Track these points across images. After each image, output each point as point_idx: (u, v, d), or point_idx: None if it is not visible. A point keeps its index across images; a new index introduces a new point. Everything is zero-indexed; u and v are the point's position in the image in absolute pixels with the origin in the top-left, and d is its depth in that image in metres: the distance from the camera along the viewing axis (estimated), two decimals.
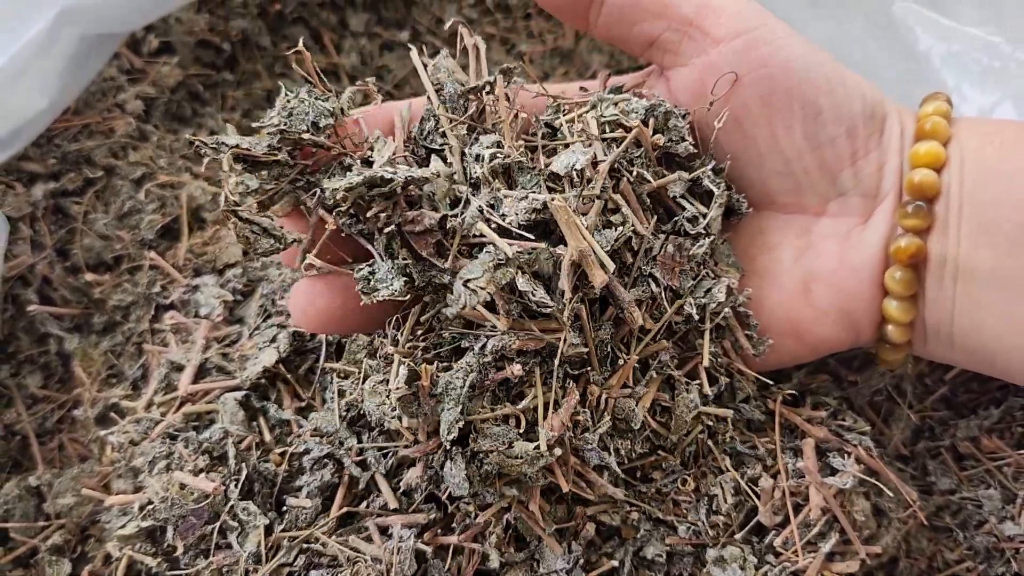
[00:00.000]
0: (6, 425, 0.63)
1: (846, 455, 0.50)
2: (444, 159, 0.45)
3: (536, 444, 0.41)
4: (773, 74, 0.45)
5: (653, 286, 0.46)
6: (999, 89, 0.55)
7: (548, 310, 0.41)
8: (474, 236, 0.41)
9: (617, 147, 0.45)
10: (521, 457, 0.41)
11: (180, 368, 0.58)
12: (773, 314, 0.49)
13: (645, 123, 0.47)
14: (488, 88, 0.45)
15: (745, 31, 0.45)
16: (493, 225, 0.41)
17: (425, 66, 0.47)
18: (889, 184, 0.47)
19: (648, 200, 0.47)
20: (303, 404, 0.55)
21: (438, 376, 0.42)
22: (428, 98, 0.46)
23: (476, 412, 0.42)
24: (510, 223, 0.41)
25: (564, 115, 0.47)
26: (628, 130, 0.46)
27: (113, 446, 0.55)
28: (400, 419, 0.43)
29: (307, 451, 0.51)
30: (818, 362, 0.57)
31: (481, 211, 0.41)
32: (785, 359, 0.51)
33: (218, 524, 0.48)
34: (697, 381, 0.48)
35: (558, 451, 0.41)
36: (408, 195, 0.43)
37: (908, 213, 0.46)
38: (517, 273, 0.40)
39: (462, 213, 0.42)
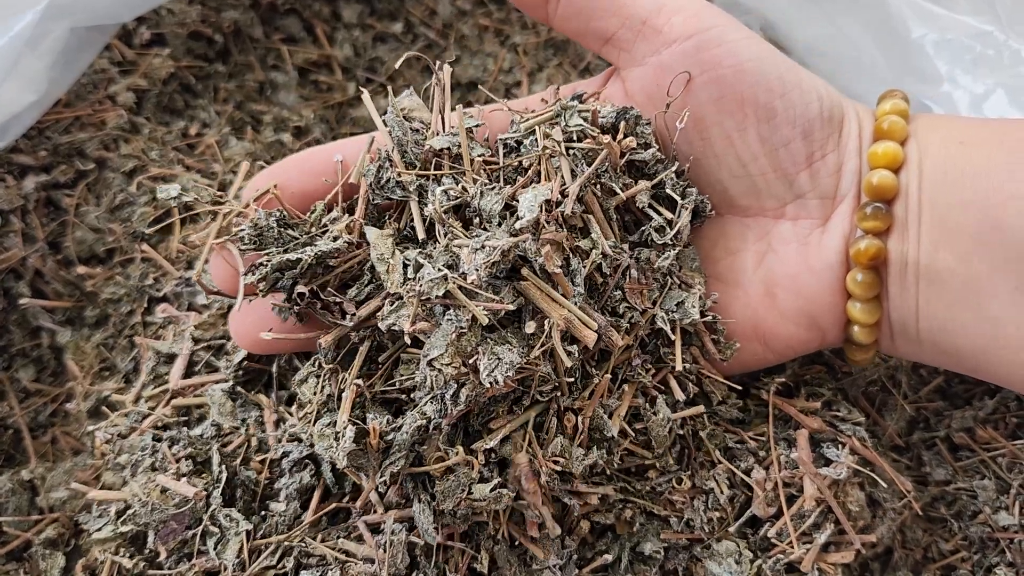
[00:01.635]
0: None
1: (840, 446, 0.50)
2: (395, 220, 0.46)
3: (493, 485, 0.42)
4: (725, 76, 0.45)
5: (623, 307, 0.46)
6: (992, 77, 0.55)
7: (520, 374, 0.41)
8: (435, 298, 0.40)
9: (584, 161, 0.45)
10: (485, 499, 0.42)
11: (170, 360, 0.58)
12: (738, 319, 0.49)
13: (616, 127, 0.47)
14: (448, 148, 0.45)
15: (697, 32, 0.45)
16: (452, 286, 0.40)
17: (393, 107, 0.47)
18: (848, 185, 0.47)
19: (614, 213, 0.46)
20: (287, 394, 0.55)
21: (388, 430, 0.43)
22: (385, 148, 0.46)
23: (430, 456, 0.43)
24: (472, 282, 0.40)
25: (524, 126, 0.47)
26: (594, 139, 0.46)
27: (102, 440, 0.55)
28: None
29: (286, 454, 0.51)
30: (812, 353, 0.57)
31: (445, 277, 0.40)
32: (751, 363, 0.51)
33: (199, 530, 0.48)
34: (664, 395, 0.48)
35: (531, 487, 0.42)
36: (347, 268, 0.45)
37: (867, 215, 0.45)
38: (482, 342, 0.40)
39: (417, 278, 0.41)
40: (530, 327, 0.41)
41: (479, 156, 0.45)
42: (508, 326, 0.42)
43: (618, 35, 0.47)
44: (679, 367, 0.47)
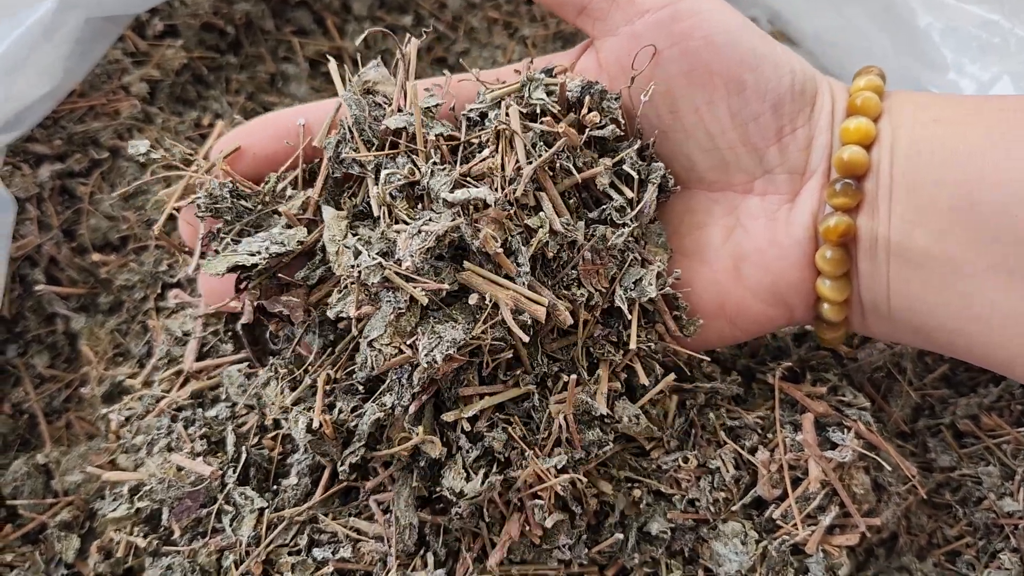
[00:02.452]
0: (14, 404, 0.64)
1: (846, 430, 0.50)
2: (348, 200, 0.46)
3: (482, 477, 0.43)
4: (696, 47, 0.45)
5: (575, 288, 0.45)
6: (998, 65, 0.55)
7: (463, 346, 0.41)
8: (373, 284, 0.41)
9: (542, 140, 0.45)
10: (478, 493, 0.43)
11: (183, 342, 0.59)
12: (703, 295, 0.49)
13: (580, 102, 0.46)
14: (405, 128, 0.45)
15: (671, 2, 0.45)
16: (390, 272, 0.40)
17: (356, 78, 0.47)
18: (818, 161, 0.47)
19: (574, 191, 0.46)
20: None
21: (351, 418, 0.44)
22: (344, 120, 0.46)
23: (396, 438, 0.44)
24: (407, 268, 0.40)
25: (490, 96, 0.47)
26: (556, 117, 0.46)
27: (117, 423, 0.56)
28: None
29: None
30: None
31: (381, 265, 0.40)
32: (716, 340, 0.50)
33: (215, 508, 0.49)
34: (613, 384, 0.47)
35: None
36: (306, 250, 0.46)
37: (836, 191, 0.44)
38: (423, 318, 0.41)
39: (357, 264, 0.41)
40: (473, 298, 0.41)
41: (437, 134, 0.44)
42: (454, 303, 0.42)
43: (592, 4, 0.47)
44: (633, 346, 0.46)
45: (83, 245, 0.67)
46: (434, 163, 0.43)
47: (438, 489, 0.44)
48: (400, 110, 0.46)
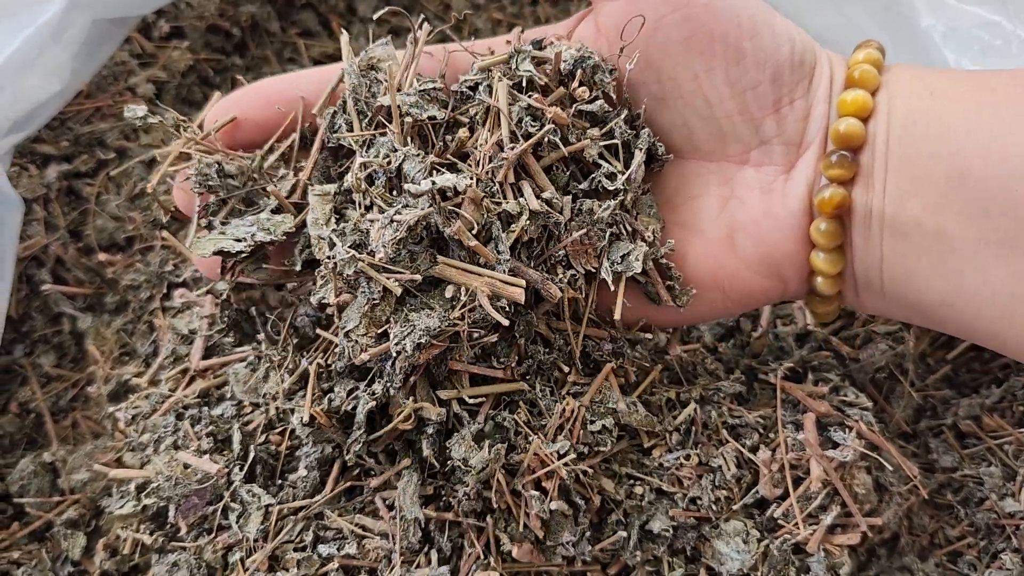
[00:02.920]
0: (21, 403, 0.64)
1: (847, 429, 0.50)
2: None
3: (490, 444, 0.43)
4: (696, 14, 0.44)
5: (562, 270, 0.45)
6: (999, 66, 0.55)
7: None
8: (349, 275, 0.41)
9: (529, 116, 0.44)
10: (485, 463, 0.43)
11: (189, 340, 0.59)
12: (697, 265, 0.48)
13: (572, 75, 0.46)
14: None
15: None
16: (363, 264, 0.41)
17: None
18: (814, 133, 0.46)
19: (563, 165, 0.46)
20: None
21: (338, 407, 0.45)
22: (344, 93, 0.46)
23: (395, 413, 0.44)
24: (380, 259, 0.40)
25: (479, 66, 0.46)
26: (544, 91, 0.45)
27: (124, 421, 0.56)
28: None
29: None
30: (820, 339, 0.58)
31: (353, 257, 0.40)
32: (708, 313, 0.50)
33: (221, 505, 0.49)
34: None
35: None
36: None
37: (832, 163, 0.44)
38: (397, 307, 0.41)
39: (332, 256, 0.41)
40: (449, 291, 0.41)
41: (426, 117, 0.44)
42: (432, 290, 0.42)
43: None
44: (618, 315, 0.46)
45: (89, 245, 0.68)
46: (411, 149, 0.43)
47: (448, 462, 0.45)
48: (399, 89, 0.46)
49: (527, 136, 0.44)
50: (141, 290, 0.66)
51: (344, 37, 0.48)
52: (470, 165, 0.43)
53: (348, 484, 0.49)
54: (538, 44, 0.47)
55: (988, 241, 0.40)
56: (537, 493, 0.44)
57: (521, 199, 0.43)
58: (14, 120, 0.62)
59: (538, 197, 0.44)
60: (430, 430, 0.45)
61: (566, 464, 0.44)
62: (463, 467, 0.44)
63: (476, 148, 0.43)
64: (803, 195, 0.46)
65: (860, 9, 0.61)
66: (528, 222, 0.43)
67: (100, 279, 0.67)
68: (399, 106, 0.44)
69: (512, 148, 0.43)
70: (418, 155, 0.43)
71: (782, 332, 0.59)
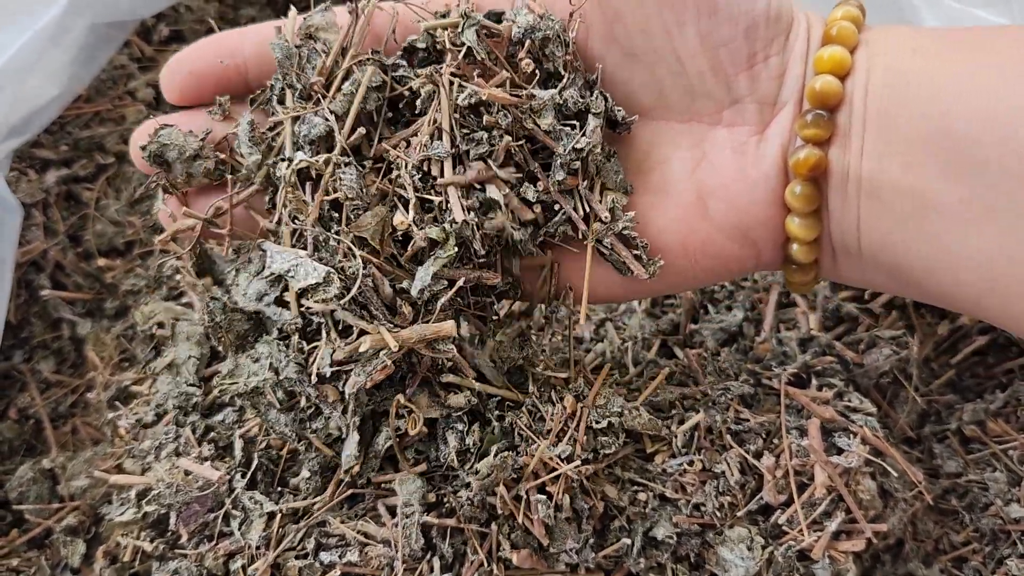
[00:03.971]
0: (20, 409, 0.64)
1: (852, 435, 0.50)
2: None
3: (497, 449, 0.44)
4: None
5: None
6: None
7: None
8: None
9: (467, 99, 0.43)
10: (491, 470, 0.43)
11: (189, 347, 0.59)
12: (665, 232, 0.46)
13: (520, 44, 0.44)
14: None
15: None
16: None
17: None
18: (789, 92, 0.44)
19: (515, 148, 0.44)
20: None
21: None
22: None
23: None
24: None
25: (425, 26, 0.45)
26: (486, 76, 0.44)
27: (124, 428, 0.56)
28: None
29: None
30: (824, 344, 0.58)
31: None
32: (679, 282, 0.48)
33: (222, 512, 0.49)
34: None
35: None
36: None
37: (807, 123, 0.42)
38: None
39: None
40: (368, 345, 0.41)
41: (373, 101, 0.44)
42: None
43: None
44: (586, 293, 0.46)
45: (89, 250, 0.67)
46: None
47: (450, 469, 0.45)
48: (336, 63, 0.45)
49: (471, 140, 0.43)
50: (141, 295, 0.65)
51: (292, 11, 0.47)
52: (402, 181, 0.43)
53: (350, 491, 0.49)
54: (496, 16, 0.45)
55: (965, 201, 0.38)
56: (543, 498, 0.44)
57: (444, 226, 0.43)
58: (13, 124, 0.62)
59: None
60: (454, 428, 0.45)
61: (569, 459, 0.44)
62: (466, 471, 0.43)
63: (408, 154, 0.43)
64: (777, 157, 0.44)
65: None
66: (454, 248, 0.42)
67: (100, 284, 0.67)
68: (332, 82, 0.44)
69: (455, 172, 0.43)
70: (350, 162, 0.43)
71: (785, 337, 0.59)
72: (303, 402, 0.43)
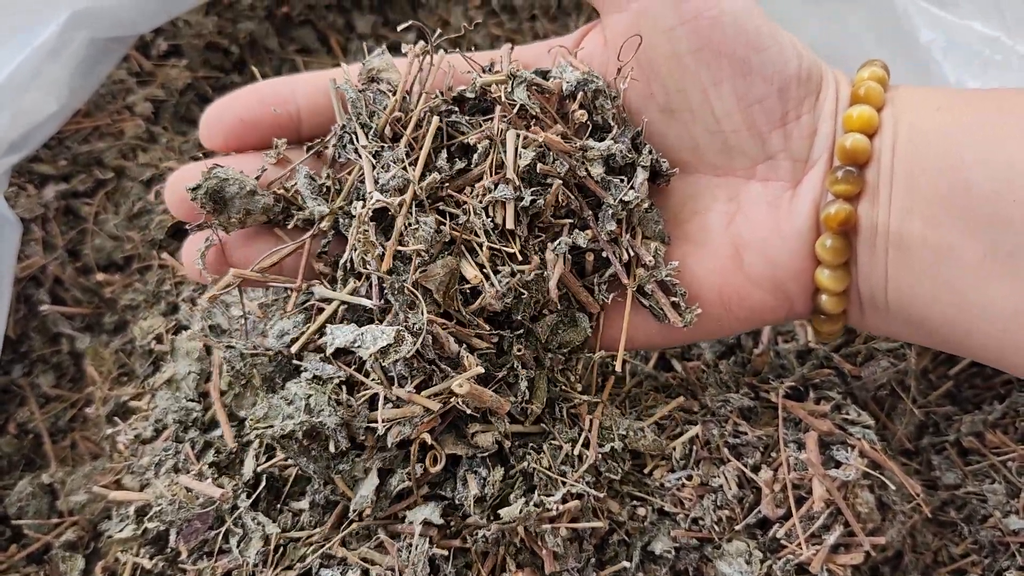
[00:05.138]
0: (19, 424, 0.64)
1: (850, 448, 0.50)
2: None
3: (521, 505, 0.44)
4: (704, 26, 0.44)
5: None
6: (999, 82, 0.55)
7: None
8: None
9: (524, 147, 0.45)
10: (514, 520, 0.43)
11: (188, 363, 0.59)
12: (703, 282, 0.48)
13: (573, 97, 0.46)
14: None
15: None
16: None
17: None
18: (821, 149, 0.46)
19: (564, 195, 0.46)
20: None
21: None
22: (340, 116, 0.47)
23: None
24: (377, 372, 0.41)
25: (480, 82, 0.46)
26: (540, 122, 0.45)
27: (124, 443, 0.56)
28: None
29: None
30: (822, 356, 0.58)
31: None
32: (714, 330, 0.49)
33: (223, 530, 0.49)
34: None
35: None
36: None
37: (838, 179, 0.44)
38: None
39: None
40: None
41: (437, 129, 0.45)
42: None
43: None
44: (621, 352, 0.47)
45: (88, 265, 0.67)
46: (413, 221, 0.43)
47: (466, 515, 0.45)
48: (405, 99, 0.46)
49: (531, 183, 0.45)
50: (139, 310, 0.66)
51: (344, 66, 0.48)
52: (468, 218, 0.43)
53: (354, 527, 0.48)
54: (543, 73, 0.47)
55: (991, 256, 0.40)
56: (550, 527, 0.44)
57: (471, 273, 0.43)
58: (11, 140, 0.62)
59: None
60: (477, 472, 0.45)
61: (579, 496, 0.44)
62: (482, 515, 0.44)
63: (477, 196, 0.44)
64: (809, 212, 0.46)
65: (861, 25, 0.61)
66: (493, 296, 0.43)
67: (99, 299, 0.67)
68: (414, 113, 0.44)
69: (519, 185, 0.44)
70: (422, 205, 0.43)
71: (783, 350, 0.59)
72: (332, 447, 0.43)
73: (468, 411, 0.43)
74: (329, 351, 0.41)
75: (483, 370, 0.43)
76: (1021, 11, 0.55)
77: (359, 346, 0.41)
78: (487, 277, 0.43)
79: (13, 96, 0.60)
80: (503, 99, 0.45)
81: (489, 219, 0.44)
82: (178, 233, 0.69)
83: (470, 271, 0.42)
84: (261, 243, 0.48)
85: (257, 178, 0.47)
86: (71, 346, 0.66)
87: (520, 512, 0.43)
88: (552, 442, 0.46)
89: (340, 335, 0.41)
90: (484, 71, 0.47)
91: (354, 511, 0.46)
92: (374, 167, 0.44)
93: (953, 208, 0.41)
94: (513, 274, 0.43)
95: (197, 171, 0.46)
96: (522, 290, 0.44)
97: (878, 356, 0.58)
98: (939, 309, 0.43)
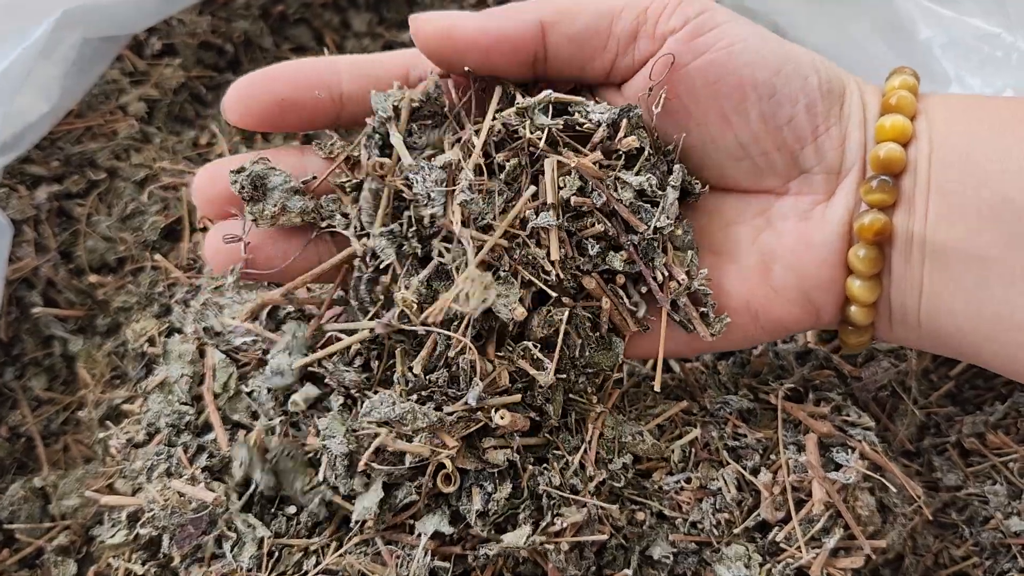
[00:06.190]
0: (11, 427, 0.64)
1: (850, 450, 0.50)
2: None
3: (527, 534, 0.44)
4: (719, 58, 0.44)
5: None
6: (1000, 79, 0.55)
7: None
8: None
9: (577, 173, 0.44)
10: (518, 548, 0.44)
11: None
12: (731, 293, 0.48)
13: (616, 127, 0.45)
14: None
15: (687, 20, 0.44)
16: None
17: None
18: (852, 159, 0.46)
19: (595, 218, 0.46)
20: None
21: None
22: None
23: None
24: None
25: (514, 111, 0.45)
26: (575, 148, 0.45)
27: (116, 447, 0.55)
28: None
29: None
30: (821, 358, 0.57)
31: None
32: (740, 340, 0.49)
33: (216, 534, 0.48)
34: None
35: None
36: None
37: (873, 188, 0.44)
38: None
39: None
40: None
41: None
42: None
43: (617, 64, 0.46)
44: (661, 357, 0.46)
45: (80, 267, 0.67)
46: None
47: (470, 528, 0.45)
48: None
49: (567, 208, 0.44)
50: (132, 312, 0.65)
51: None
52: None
53: (355, 540, 0.48)
54: (563, 110, 0.46)
55: None
56: (553, 546, 0.44)
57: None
58: (3, 141, 0.61)
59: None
60: (483, 487, 0.45)
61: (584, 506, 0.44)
62: (485, 529, 0.44)
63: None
64: (842, 221, 0.46)
65: (861, 22, 0.61)
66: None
67: (91, 301, 0.67)
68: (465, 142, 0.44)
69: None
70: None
71: (783, 351, 0.58)
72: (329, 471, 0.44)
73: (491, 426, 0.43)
74: (362, 423, 0.42)
75: (519, 397, 0.43)
76: (1021, 7, 0.55)
77: (403, 422, 0.41)
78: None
79: (4, 96, 0.60)
80: (532, 133, 0.44)
81: (542, 249, 0.44)
82: (171, 235, 0.68)
83: (519, 310, 0.42)
84: (287, 244, 0.47)
85: (305, 181, 0.46)
86: (64, 348, 0.66)
87: (525, 542, 0.43)
88: (556, 452, 0.46)
89: (381, 408, 0.42)
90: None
91: (356, 522, 0.45)
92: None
93: (993, 219, 0.40)
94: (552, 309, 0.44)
95: (237, 161, 0.46)
96: (568, 329, 0.44)
97: (879, 357, 0.58)
98: (975, 321, 0.42)
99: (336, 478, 0.44)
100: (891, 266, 0.45)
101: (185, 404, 0.54)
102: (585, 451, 0.46)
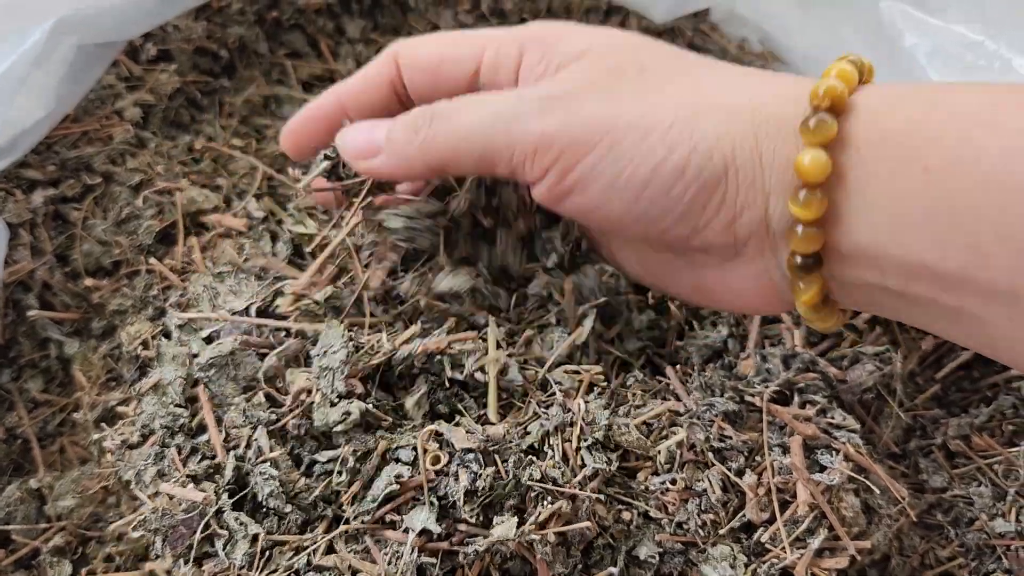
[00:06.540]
0: (7, 429, 0.64)
1: (834, 452, 0.50)
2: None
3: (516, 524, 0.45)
4: (581, 201, 0.46)
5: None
6: None
7: None
8: None
9: None
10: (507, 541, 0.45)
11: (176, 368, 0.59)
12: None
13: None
14: None
15: (545, 169, 0.45)
16: None
17: None
18: (776, 217, 0.43)
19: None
20: None
21: None
22: None
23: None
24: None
25: None
26: None
27: (111, 450, 0.55)
28: None
29: None
30: (807, 360, 0.58)
31: None
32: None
33: (208, 532, 0.48)
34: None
35: None
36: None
37: (800, 202, 0.40)
38: None
39: None
40: None
41: None
42: None
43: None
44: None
45: (76, 270, 0.67)
46: None
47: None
48: None
49: None
50: (127, 315, 0.65)
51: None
52: None
53: (344, 533, 0.48)
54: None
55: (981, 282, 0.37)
56: (538, 538, 0.44)
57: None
58: (0, 146, 0.62)
59: None
60: (469, 468, 0.46)
61: (572, 499, 0.45)
62: (470, 514, 0.45)
63: None
64: (779, 265, 0.45)
65: (846, 29, 0.62)
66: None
67: (87, 304, 0.67)
68: None
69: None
70: None
71: (769, 353, 0.59)
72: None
73: None
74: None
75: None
76: (1004, 16, 0.55)
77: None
78: None
79: (1, 102, 0.60)
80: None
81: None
82: (165, 239, 0.69)
83: None
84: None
85: None
86: (59, 351, 0.66)
87: (515, 534, 0.44)
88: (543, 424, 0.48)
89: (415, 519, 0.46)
90: None
91: (345, 519, 0.46)
92: None
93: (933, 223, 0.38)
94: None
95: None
96: None
97: (864, 359, 0.58)
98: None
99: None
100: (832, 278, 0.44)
101: (179, 406, 0.54)
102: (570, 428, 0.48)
